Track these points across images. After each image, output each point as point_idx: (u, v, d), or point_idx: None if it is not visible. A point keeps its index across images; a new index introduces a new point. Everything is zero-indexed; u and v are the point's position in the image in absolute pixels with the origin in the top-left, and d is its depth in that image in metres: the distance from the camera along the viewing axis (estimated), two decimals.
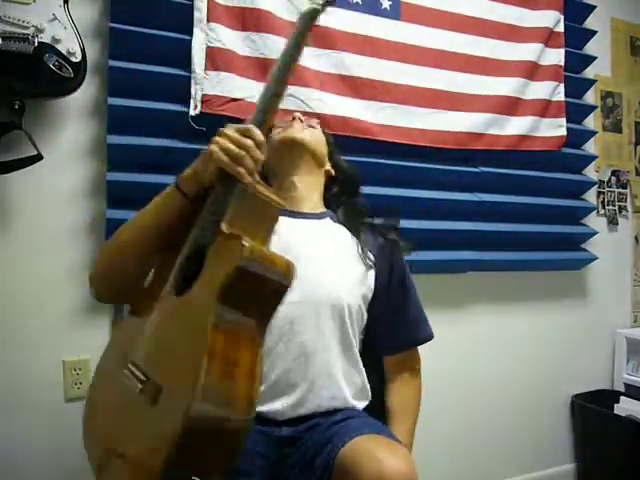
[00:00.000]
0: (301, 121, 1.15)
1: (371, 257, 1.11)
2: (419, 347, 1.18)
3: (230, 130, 0.83)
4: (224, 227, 0.80)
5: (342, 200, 1.20)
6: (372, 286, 1.11)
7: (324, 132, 1.21)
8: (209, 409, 0.71)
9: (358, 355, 1.09)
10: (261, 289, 0.81)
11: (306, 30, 0.92)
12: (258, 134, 0.83)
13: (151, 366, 0.79)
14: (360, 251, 1.10)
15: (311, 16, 0.93)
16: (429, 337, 1.17)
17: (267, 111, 0.88)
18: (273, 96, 0.88)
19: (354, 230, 1.13)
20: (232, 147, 0.81)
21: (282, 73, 0.89)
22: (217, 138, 0.83)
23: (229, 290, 0.75)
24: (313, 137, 1.14)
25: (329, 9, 0.95)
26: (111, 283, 0.96)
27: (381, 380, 1.15)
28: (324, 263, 1.05)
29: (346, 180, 1.22)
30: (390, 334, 1.14)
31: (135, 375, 0.80)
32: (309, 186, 1.14)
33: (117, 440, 0.81)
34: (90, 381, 1.43)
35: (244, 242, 0.77)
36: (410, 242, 1.18)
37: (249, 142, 0.82)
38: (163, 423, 0.73)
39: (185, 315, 0.80)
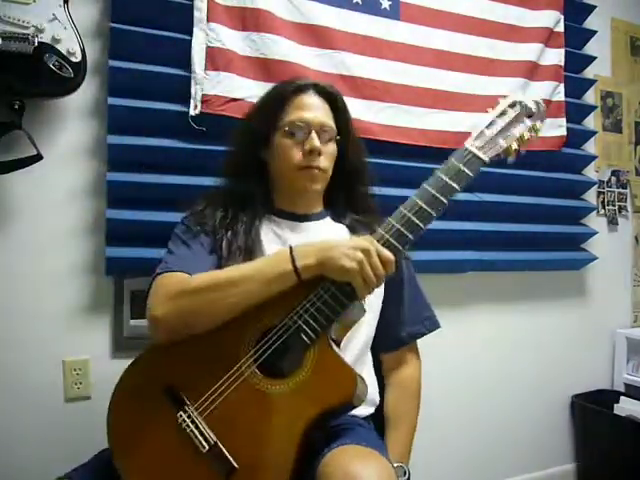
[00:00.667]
0: (319, 154, 1.05)
1: None
2: (421, 343, 1.17)
3: (374, 253, 0.84)
4: (335, 346, 0.87)
5: (340, 194, 1.16)
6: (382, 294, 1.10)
7: (336, 125, 1.12)
8: None
9: (363, 361, 1.08)
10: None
11: (468, 178, 0.94)
12: (392, 270, 0.86)
13: (228, 440, 0.85)
14: None
15: (479, 166, 0.94)
16: (420, 333, 1.14)
17: (408, 243, 0.89)
18: (417, 235, 0.89)
19: (352, 229, 1.11)
20: (370, 275, 0.83)
21: (429, 212, 0.91)
22: (361, 256, 0.83)
23: (325, 414, 0.85)
24: (327, 173, 1.09)
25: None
26: (180, 332, 0.91)
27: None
28: None
29: (343, 172, 1.15)
30: (383, 332, 1.13)
31: (200, 431, 0.85)
32: (314, 195, 1.13)
33: None
34: (90, 381, 1.42)
35: (357, 384, 0.85)
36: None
37: (383, 274, 0.85)
38: None
39: (278, 417, 0.85)
